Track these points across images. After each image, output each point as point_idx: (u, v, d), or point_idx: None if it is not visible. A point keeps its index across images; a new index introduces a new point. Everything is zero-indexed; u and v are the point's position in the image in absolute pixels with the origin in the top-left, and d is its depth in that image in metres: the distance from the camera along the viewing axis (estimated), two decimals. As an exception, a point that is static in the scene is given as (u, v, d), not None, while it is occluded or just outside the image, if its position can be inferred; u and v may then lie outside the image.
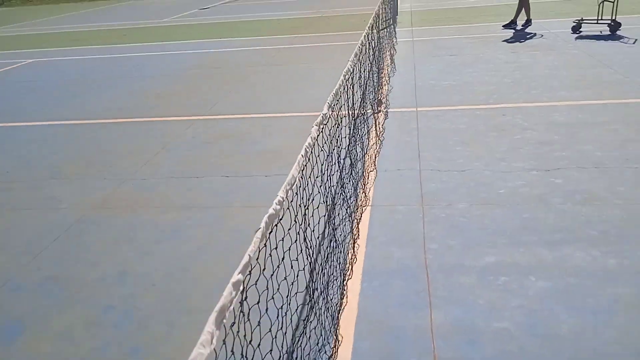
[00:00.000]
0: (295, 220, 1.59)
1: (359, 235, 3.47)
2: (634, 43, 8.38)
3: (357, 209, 3.71)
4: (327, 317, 2.22)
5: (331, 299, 2.41)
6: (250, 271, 1.14)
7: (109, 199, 4.47)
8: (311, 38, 11.73)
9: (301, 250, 1.74)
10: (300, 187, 1.62)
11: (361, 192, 4.03)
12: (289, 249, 1.52)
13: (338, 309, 2.62)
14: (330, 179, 2.28)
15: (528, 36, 9.77)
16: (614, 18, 9.16)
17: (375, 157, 4.76)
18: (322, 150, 2.13)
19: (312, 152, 1.76)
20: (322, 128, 2.03)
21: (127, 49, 12.39)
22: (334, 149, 2.38)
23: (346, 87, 2.90)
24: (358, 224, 3.54)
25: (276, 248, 1.50)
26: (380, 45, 6.58)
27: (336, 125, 2.46)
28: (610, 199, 3.72)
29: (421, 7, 15.48)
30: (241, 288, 1.08)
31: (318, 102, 6.44)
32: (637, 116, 5.24)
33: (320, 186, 2.16)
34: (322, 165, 2.16)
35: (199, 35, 13.69)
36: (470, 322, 2.67)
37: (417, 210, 3.83)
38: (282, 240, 1.56)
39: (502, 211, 3.71)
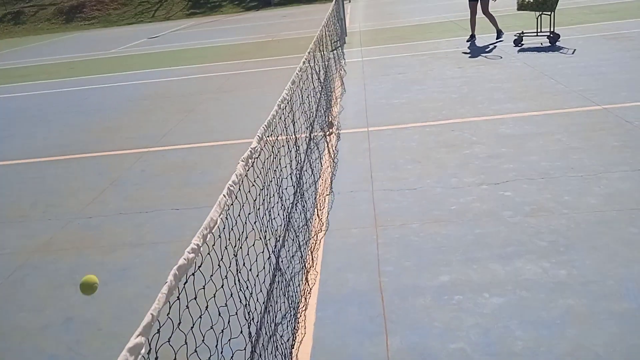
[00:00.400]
0: (219, 265, 1.51)
1: (312, 263, 3.40)
2: (573, 53, 8.68)
3: (311, 236, 3.65)
4: (275, 355, 2.14)
5: (281, 336, 2.32)
6: (159, 329, 1.05)
7: (53, 241, 4.28)
8: (262, 62, 11.73)
9: (231, 295, 1.66)
10: (224, 228, 1.55)
11: (316, 218, 3.97)
12: (214, 296, 1.44)
13: (292, 343, 2.54)
14: (269, 212, 2.22)
15: (473, 51, 10.01)
16: (552, 30, 9.49)
17: (331, 181, 4.73)
18: (254, 184, 2.06)
19: (239, 189, 1.69)
20: (253, 162, 1.97)
21: (75, 82, 12.10)
22: (271, 181, 2.32)
23: (283, 115, 2.86)
24: (312, 252, 3.47)
25: (195, 298, 1.41)
26: (327, 67, 6.60)
27: (272, 156, 2.41)
28: (557, 209, 3.77)
29: (370, 27, 15.73)
30: (143, 351, 0.99)
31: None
32: (579, 125, 5.39)
33: (255, 222, 2.09)
34: (254, 200, 2.09)
35: (148, 65, 13.51)
36: (426, 345, 2.63)
37: (372, 232, 3.80)
38: (203, 288, 1.48)
39: (454, 228, 3.71)
